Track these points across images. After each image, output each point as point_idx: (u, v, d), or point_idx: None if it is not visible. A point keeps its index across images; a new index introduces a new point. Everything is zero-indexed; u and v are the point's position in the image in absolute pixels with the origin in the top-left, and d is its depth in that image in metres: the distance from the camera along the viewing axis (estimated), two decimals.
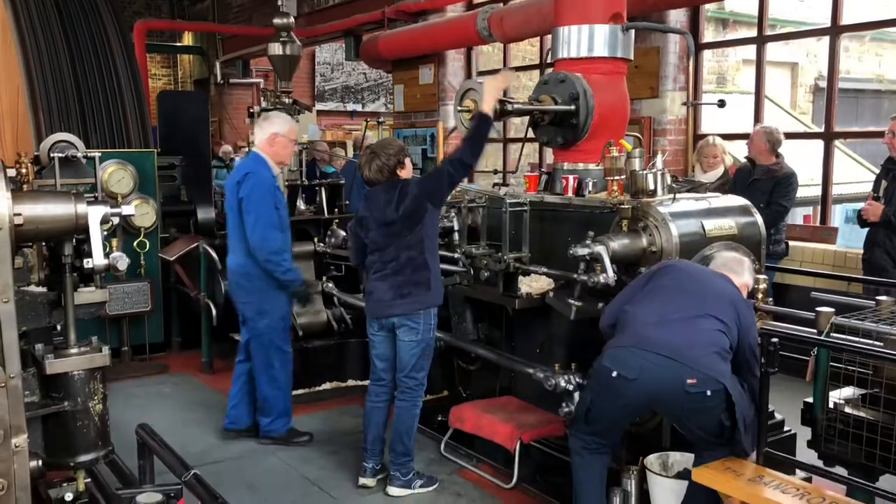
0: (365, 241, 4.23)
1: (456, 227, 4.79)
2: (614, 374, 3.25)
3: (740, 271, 3.62)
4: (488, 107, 4.07)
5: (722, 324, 3.30)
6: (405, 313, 4.12)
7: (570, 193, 4.36)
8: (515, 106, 4.28)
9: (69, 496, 2.80)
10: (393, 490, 4.22)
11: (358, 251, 4.34)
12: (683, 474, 3.47)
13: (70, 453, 2.55)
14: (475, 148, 4.09)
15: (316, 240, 6.07)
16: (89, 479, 2.93)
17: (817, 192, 6.99)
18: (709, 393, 3.12)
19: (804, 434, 3.45)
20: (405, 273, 4.11)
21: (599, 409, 3.40)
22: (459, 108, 4.40)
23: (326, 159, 9.36)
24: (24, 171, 4.83)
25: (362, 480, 4.34)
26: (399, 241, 4.10)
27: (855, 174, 15.10)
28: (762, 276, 3.82)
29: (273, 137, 4.78)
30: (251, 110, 6.63)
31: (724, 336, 3.28)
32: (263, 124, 4.86)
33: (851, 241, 6.05)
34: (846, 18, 6.53)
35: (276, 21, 6.39)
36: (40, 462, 2.33)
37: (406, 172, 4.20)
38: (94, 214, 2.41)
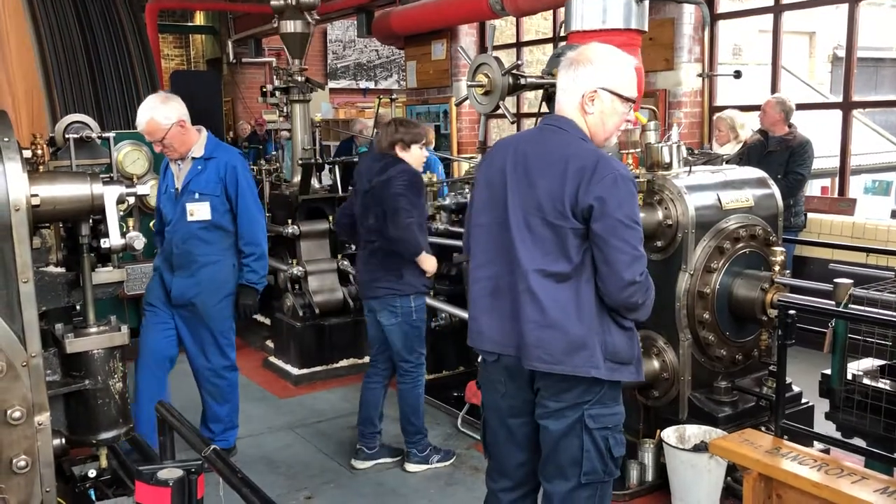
0: (353, 210, 4.26)
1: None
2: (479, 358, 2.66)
3: (570, 83, 2.42)
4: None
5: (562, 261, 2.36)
6: (376, 297, 4.11)
7: None
8: (529, 80, 4.24)
9: (92, 473, 2.85)
10: (411, 466, 4.25)
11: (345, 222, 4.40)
12: (700, 447, 3.48)
13: (92, 431, 2.58)
14: None
15: (331, 218, 6.07)
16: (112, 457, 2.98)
17: (835, 163, 6.91)
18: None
19: (822, 406, 3.44)
20: (377, 257, 4.10)
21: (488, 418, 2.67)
22: (471, 83, 4.37)
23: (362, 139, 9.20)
24: (39, 152, 4.87)
25: (353, 462, 4.31)
26: (372, 211, 4.06)
27: (874, 144, 14.90)
28: (780, 249, 3.78)
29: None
30: (264, 89, 6.60)
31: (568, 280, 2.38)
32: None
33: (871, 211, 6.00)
34: None
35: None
36: (63, 440, 2.36)
37: (409, 156, 4.14)
38: (110, 194, 2.42)
